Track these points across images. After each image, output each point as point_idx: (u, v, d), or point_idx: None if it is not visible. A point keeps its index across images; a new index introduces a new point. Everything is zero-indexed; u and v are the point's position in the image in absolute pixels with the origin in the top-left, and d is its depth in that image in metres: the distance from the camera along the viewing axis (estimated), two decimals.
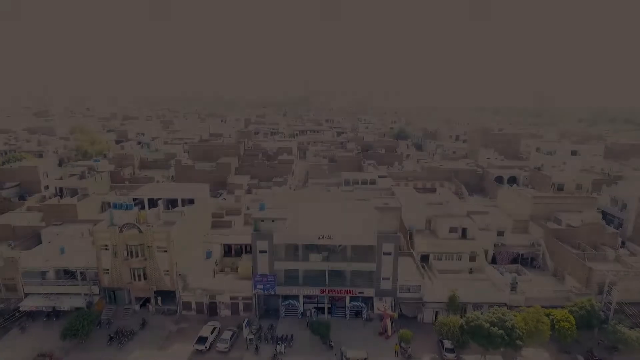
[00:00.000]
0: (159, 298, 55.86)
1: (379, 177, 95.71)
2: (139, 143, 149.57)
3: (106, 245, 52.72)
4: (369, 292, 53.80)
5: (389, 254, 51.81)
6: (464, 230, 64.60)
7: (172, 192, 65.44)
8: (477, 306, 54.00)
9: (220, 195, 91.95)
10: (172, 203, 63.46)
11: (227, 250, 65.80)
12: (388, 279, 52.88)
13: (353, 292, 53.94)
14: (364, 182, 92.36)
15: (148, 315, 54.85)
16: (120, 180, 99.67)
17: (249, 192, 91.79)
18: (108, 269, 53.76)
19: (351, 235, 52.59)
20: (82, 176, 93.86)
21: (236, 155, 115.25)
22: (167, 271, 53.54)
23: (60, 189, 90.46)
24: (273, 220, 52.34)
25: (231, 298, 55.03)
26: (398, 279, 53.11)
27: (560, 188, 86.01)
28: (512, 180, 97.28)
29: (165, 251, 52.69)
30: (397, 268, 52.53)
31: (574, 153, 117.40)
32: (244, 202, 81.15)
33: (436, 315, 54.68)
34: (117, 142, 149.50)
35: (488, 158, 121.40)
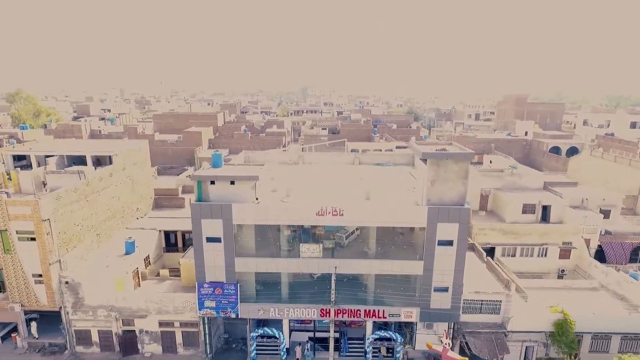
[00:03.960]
0: (35, 324, 31.81)
1: (397, 147, 71.89)
2: (102, 119, 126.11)
3: None
4: (409, 313, 29.80)
5: (449, 243, 27.85)
6: (545, 209, 40.94)
7: (77, 147, 40.85)
8: (601, 338, 30.51)
9: (185, 171, 69.19)
10: (79, 164, 39.15)
11: (173, 243, 41.84)
12: (445, 289, 28.87)
13: (379, 314, 29.94)
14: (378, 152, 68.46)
15: (13, 355, 30.90)
16: None
17: None
18: None
19: (377, 208, 28.54)
20: None
21: (212, 126, 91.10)
22: (40, 276, 29.46)
23: None
24: (232, 182, 28.26)
25: (162, 324, 31.09)
26: (463, 289, 29.26)
27: None
28: (574, 151, 73.81)
29: (34, 239, 28.59)
30: (463, 269, 28.64)
31: (633, 125, 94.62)
32: None
33: (525, 354, 31.10)
34: (77, 118, 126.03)
35: (527, 132, 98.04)
